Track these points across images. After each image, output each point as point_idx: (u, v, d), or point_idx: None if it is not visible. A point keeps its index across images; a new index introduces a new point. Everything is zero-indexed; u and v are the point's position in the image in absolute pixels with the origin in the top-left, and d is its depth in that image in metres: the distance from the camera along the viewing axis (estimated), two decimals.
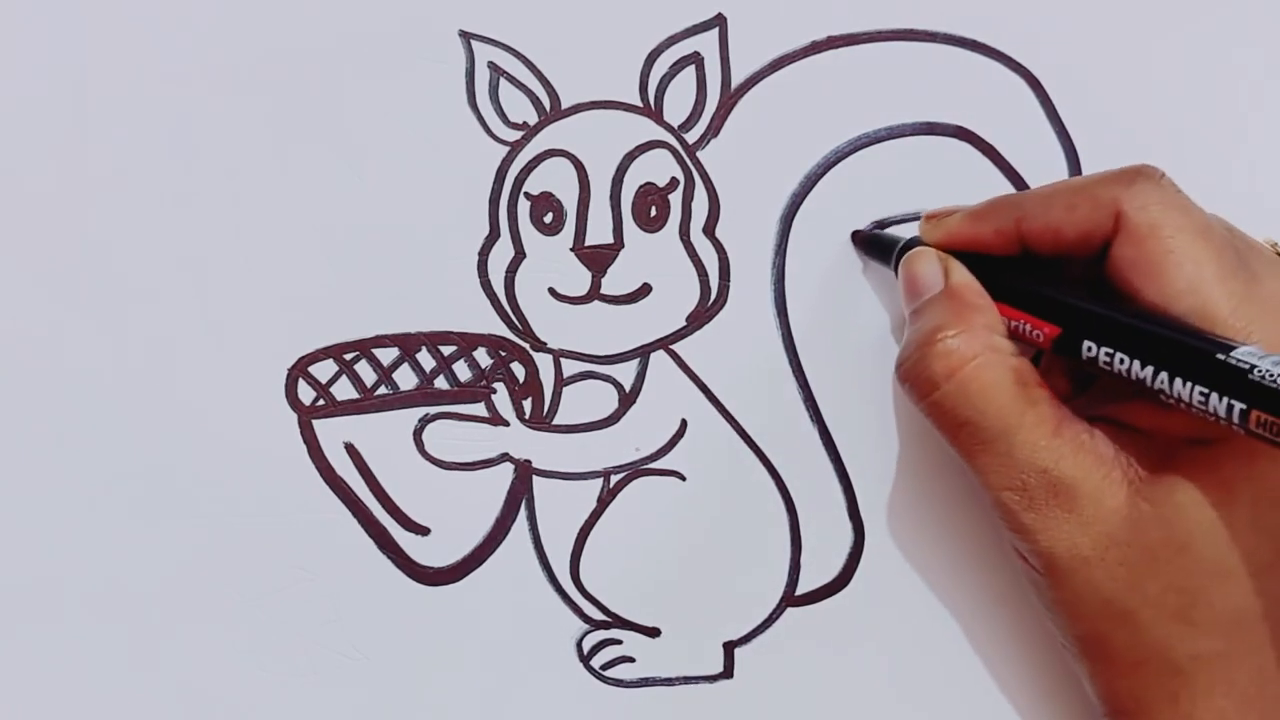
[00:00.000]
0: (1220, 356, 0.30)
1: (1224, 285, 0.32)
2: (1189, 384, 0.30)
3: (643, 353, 0.40)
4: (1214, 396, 0.29)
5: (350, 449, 0.39)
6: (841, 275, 0.40)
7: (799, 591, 0.40)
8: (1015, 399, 0.33)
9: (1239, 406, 0.29)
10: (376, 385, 0.39)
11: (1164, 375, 0.31)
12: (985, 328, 0.34)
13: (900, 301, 0.37)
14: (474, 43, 0.39)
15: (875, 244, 0.39)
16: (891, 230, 0.39)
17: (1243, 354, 0.29)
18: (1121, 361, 0.32)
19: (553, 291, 0.39)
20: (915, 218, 0.40)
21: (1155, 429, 0.33)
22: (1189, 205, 0.34)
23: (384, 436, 0.39)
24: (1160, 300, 0.32)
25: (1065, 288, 0.34)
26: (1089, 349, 0.33)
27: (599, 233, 0.39)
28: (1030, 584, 0.36)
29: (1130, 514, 0.32)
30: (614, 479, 0.40)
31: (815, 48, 0.40)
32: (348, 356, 0.39)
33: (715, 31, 0.39)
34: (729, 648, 0.40)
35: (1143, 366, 0.31)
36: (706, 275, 0.40)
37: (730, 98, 0.39)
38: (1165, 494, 0.32)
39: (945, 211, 0.37)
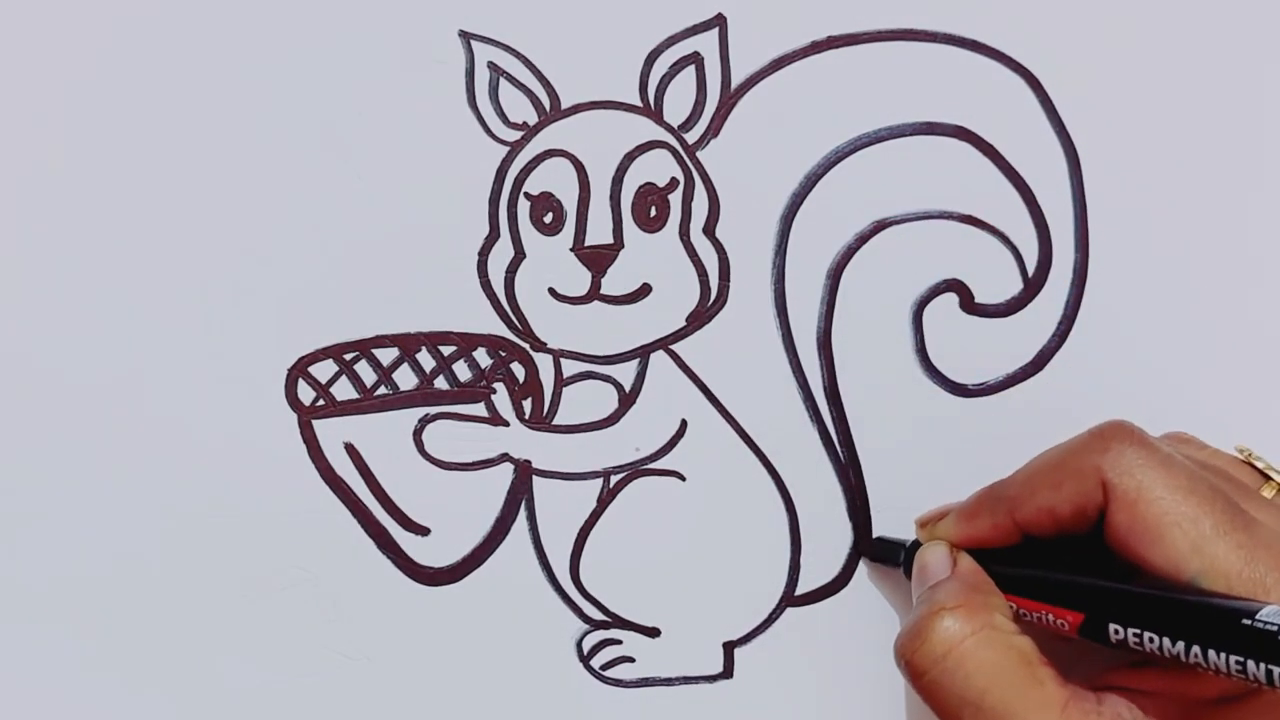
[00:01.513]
0: (1246, 622, 0.29)
1: (1227, 539, 0.31)
2: (1223, 654, 0.29)
3: (643, 353, 0.40)
4: (1250, 663, 0.29)
5: (350, 449, 0.39)
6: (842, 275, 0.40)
7: (799, 591, 0.40)
8: (1018, 677, 0.32)
9: (1276, 670, 0.28)
10: (376, 385, 0.39)
11: (1196, 649, 0.30)
12: (986, 607, 0.34)
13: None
14: (474, 43, 0.39)
15: (882, 549, 0.39)
16: (895, 536, 0.39)
17: (1268, 614, 0.29)
18: (1151, 640, 0.31)
19: (553, 291, 0.39)
20: (915, 217, 0.40)
21: (1172, 692, 0.33)
22: (1170, 460, 0.33)
23: (384, 436, 0.39)
24: (1167, 565, 0.32)
25: (1078, 569, 0.34)
26: (1115, 632, 0.32)
27: (599, 233, 0.39)
28: None
29: None
30: (614, 479, 0.40)
31: (815, 48, 0.40)
32: (348, 356, 0.39)
33: (715, 31, 0.39)
34: (729, 648, 0.40)
35: (1173, 643, 0.30)
36: (706, 275, 0.40)
37: (730, 98, 0.39)
38: None
39: (935, 515, 0.37)
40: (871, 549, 0.40)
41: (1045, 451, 0.35)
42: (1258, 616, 0.29)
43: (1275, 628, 0.29)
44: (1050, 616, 0.34)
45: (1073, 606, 0.33)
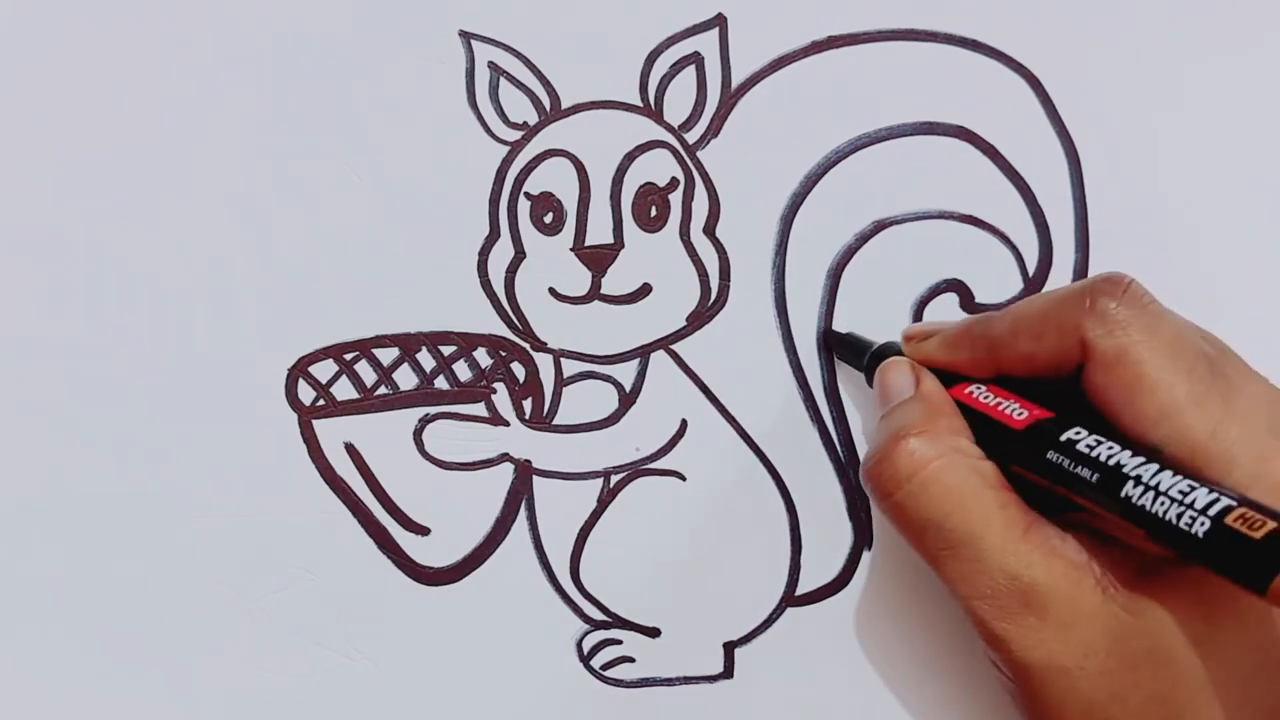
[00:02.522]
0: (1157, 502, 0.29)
1: (1199, 409, 0.31)
2: (1133, 526, 0.29)
3: (643, 353, 0.40)
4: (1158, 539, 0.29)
5: (350, 449, 0.39)
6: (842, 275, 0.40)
7: (799, 591, 0.40)
8: (982, 501, 0.32)
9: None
10: (376, 385, 0.39)
11: (1115, 507, 0.30)
12: (951, 431, 0.34)
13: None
14: (474, 43, 0.39)
15: (847, 346, 0.39)
16: (864, 335, 0.39)
17: (1196, 496, 0.29)
18: (1085, 474, 0.31)
19: (553, 291, 0.39)
20: (916, 218, 0.40)
21: (1132, 540, 0.32)
22: (1156, 320, 0.32)
23: (384, 436, 0.39)
24: (1136, 427, 0.32)
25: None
26: (1065, 443, 0.32)
27: (599, 233, 0.39)
28: (1006, 696, 0.34)
29: (1108, 623, 0.31)
30: (614, 479, 0.40)
31: (815, 48, 0.40)
32: (348, 356, 0.39)
33: (715, 31, 0.39)
34: (729, 648, 0.40)
35: (1100, 494, 0.30)
36: (706, 275, 0.40)
37: (730, 98, 0.39)
38: (1145, 606, 0.31)
39: (923, 333, 0.37)
40: (837, 341, 0.39)
41: (1035, 296, 0.35)
42: (1160, 491, 0.29)
43: (1183, 517, 0.28)
44: (1012, 406, 0.34)
45: (1040, 403, 0.33)
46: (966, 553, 0.32)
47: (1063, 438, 0.32)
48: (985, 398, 0.35)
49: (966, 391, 0.35)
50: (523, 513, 0.40)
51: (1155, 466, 0.30)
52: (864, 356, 0.38)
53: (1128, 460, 0.30)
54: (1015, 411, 0.33)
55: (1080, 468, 0.31)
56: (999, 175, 0.40)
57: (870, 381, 0.38)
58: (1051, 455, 0.32)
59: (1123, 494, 0.30)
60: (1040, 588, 0.32)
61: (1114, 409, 0.32)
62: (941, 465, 0.33)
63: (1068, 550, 0.32)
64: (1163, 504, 0.29)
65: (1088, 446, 0.31)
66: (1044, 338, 0.33)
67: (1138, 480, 0.30)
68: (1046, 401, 0.34)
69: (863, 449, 0.40)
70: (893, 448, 0.33)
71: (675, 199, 0.39)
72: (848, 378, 0.40)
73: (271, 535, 0.39)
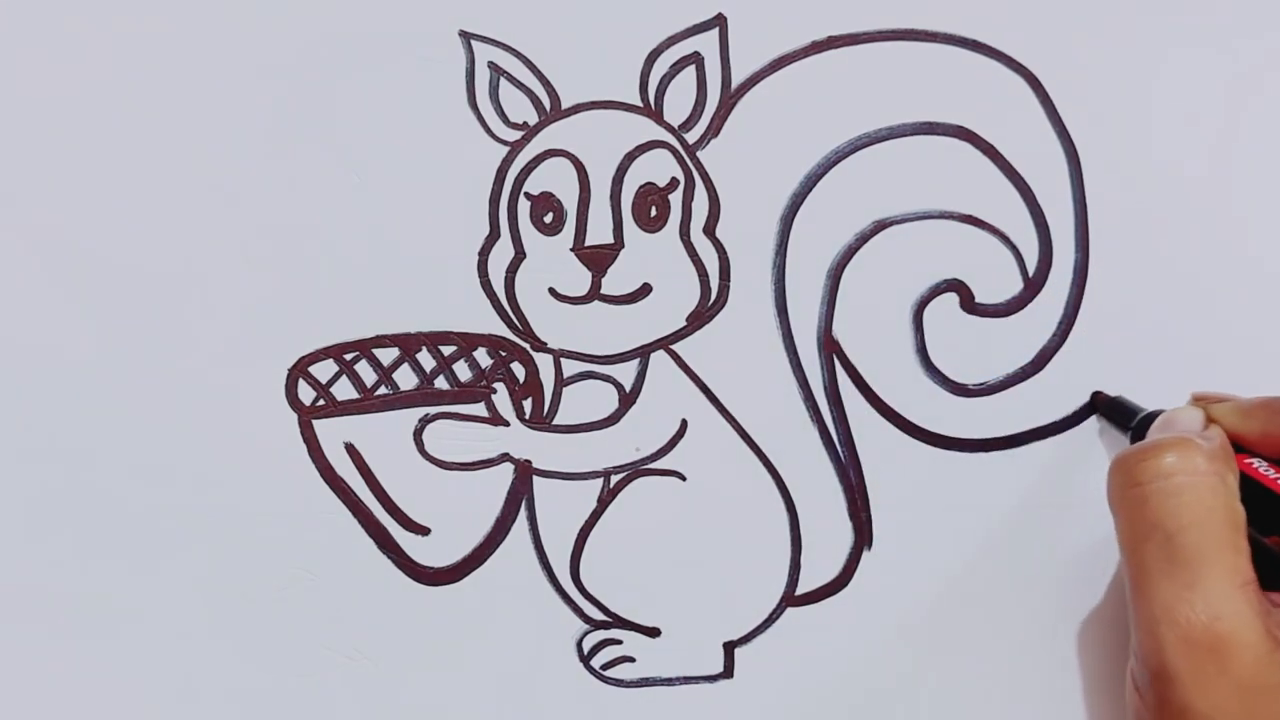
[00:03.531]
0: None
1: None
2: None
3: (643, 353, 0.40)
4: None
5: (350, 449, 0.39)
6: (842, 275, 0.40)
7: (799, 591, 0.40)
8: (1224, 534, 0.32)
9: None
10: (376, 385, 0.39)
11: None
12: (1228, 469, 0.33)
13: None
14: (474, 43, 0.39)
15: (1115, 409, 0.39)
16: (1134, 401, 0.39)
17: None
18: None
19: (553, 291, 0.39)
20: (917, 218, 0.40)
21: None
22: None
23: (384, 436, 0.39)
24: None
25: None
26: None
27: (599, 233, 0.39)
28: (1133, 715, 0.34)
29: (1276, 706, 0.31)
30: (614, 479, 0.40)
31: (815, 48, 0.40)
32: (348, 356, 0.39)
33: (715, 31, 0.39)
34: (729, 648, 0.40)
35: None
36: (706, 275, 0.40)
37: (730, 98, 0.39)
38: None
39: (1215, 397, 0.37)
40: (1106, 405, 0.39)
41: None
42: None
43: None
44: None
45: None
46: (1183, 575, 0.31)
47: None
48: (1266, 470, 0.34)
49: (1247, 462, 0.34)
50: (523, 513, 0.40)
51: None
52: (1132, 419, 0.38)
53: None
54: None
55: None
56: (999, 175, 0.40)
57: (1135, 441, 0.37)
58: None
59: None
60: (1235, 640, 0.31)
61: None
62: (1207, 482, 0.32)
63: (1273, 621, 0.31)
64: None
65: None
66: None
67: None
68: None
69: (863, 449, 0.40)
70: (1169, 445, 0.33)
71: (675, 199, 0.39)
72: (848, 378, 0.40)
73: (272, 535, 0.39)
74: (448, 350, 0.39)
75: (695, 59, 0.39)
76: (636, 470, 0.40)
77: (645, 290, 0.39)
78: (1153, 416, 0.37)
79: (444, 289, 0.39)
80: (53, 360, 0.38)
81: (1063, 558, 0.40)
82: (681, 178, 0.39)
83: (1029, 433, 0.40)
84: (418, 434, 0.39)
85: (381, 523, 0.39)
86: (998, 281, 0.40)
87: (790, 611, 0.40)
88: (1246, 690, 0.30)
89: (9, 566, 0.39)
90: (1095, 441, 0.40)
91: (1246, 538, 0.32)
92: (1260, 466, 0.34)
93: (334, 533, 0.39)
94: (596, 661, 0.40)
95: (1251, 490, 0.34)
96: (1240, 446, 0.35)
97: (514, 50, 0.39)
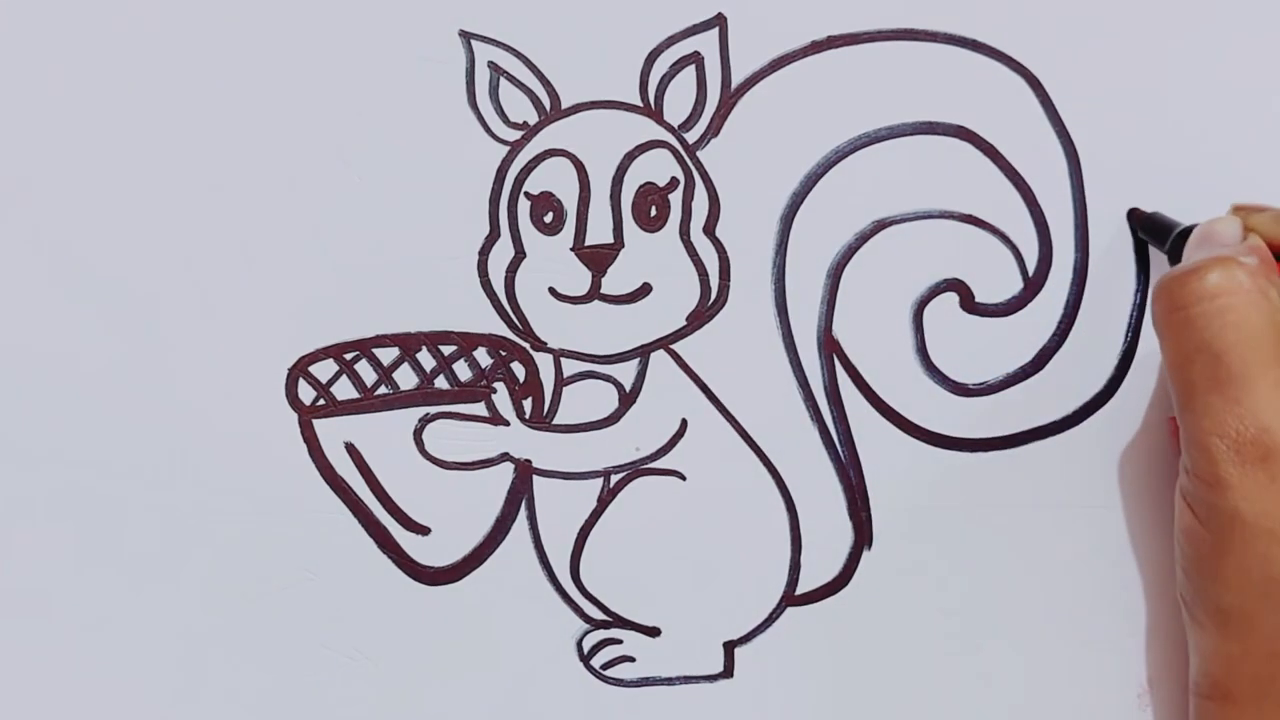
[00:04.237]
0: None
1: None
2: None
3: (643, 352, 0.40)
4: None
5: (350, 449, 0.39)
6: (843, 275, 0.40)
7: (799, 591, 0.40)
8: (1269, 350, 0.32)
9: None
10: (376, 385, 0.39)
11: None
12: (1270, 283, 0.33)
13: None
14: (474, 43, 0.39)
15: (1153, 225, 0.39)
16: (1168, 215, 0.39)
17: None
18: None
19: (553, 291, 0.39)
20: (916, 217, 0.40)
21: None
22: None
23: (384, 436, 0.39)
24: None
25: None
26: None
27: (599, 232, 0.39)
28: (1188, 543, 0.34)
29: None
30: (614, 479, 0.40)
31: (815, 48, 0.40)
32: (348, 356, 0.39)
33: (715, 31, 0.39)
34: (729, 647, 0.40)
35: None
36: (706, 275, 0.40)
37: (730, 98, 0.39)
38: None
39: (1255, 206, 0.37)
40: (1142, 221, 0.39)
41: None
42: None
43: None
44: None
45: None
46: (1231, 391, 0.32)
47: None
48: None
49: None
50: (523, 512, 0.40)
51: None
52: (1169, 234, 0.37)
53: None
54: None
55: None
56: (999, 175, 0.40)
57: (1174, 261, 0.37)
58: None
59: None
60: None
61: None
62: (1251, 300, 0.32)
63: None
64: None
65: None
66: None
67: None
68: None
69: (863, 449, 0.40)
70: (1212, 266, 0.33)
71: (675, 199, 0.39)
72: (848, 378, 0.40)
73: (272, 535, 0.39)
74: (448, 350, 0.39)
75: (695, 59, 0.39)
76: (636, 470, 0.40)
77: (645, 290, 0.39)
78: (1191, 230, 0.37)
79: (444, 289, 0.39)
80: (52, 360, 0.38)
81: (1063, 558, 0.40)
82: (681, 177, 0.39)
83: (1029, 432, 0.40)
84: (418, 434, 0.39)
85: (381, 523, 0.39)
86: (998, 281, 0.40)
87: (790, 611, 0.40)
88: None
89: (8, 566, 0.39)
90: (1095, 441, 0.40)
91: None
92: None
93: (334, 533, 0.39)
94: (596, 661, 0.40)
95: None
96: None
97: (514, 50, 0.39)
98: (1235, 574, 0.32)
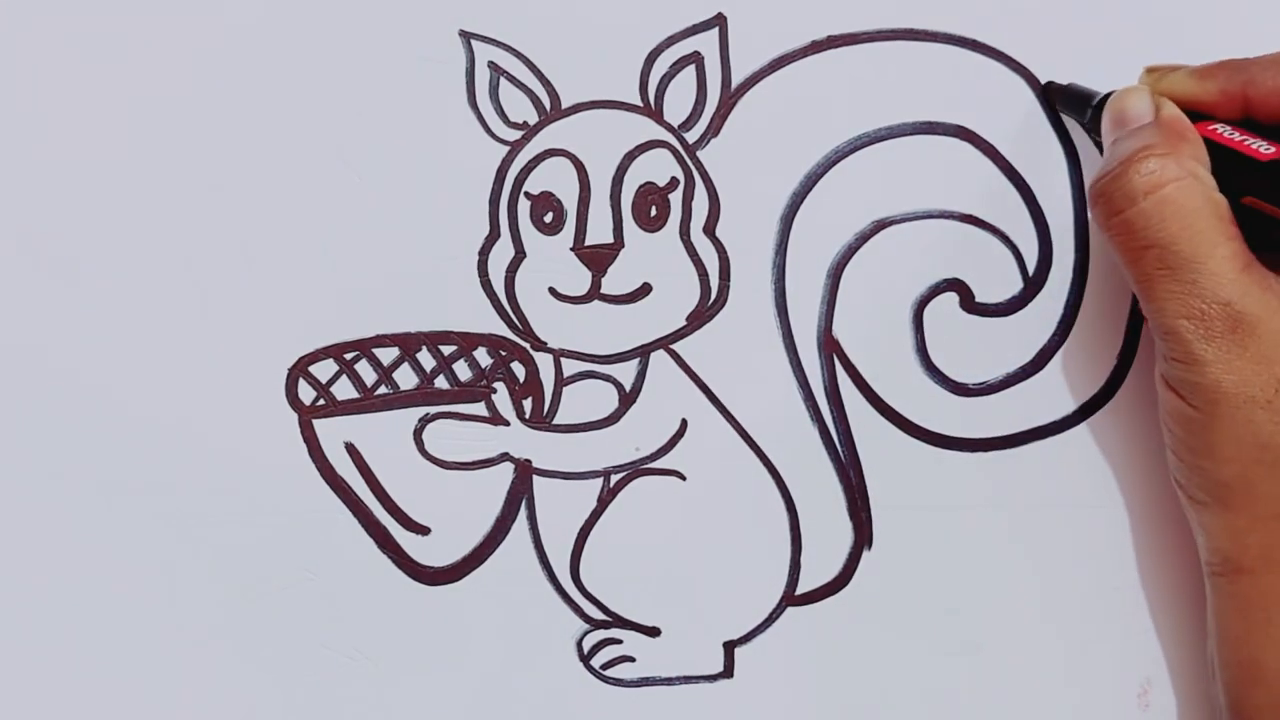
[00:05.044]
0: None
1: None
2: None
3: (643, 352, 0.40)
4: None
5: (350, 449, 0.39)
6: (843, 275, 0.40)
7: (799, 591, 0.40)
8: (1212, 228, 0.33)
9: None
10: (376, 385, 0.39)
11: None
12: (1192, 157, 0.34)
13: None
14: (474, 43, 0.39)
15: (1070, 96, 0.39)
16: (1087, 86, 0.39)
17: None
18: None
19: (553, 291, 0.39)
20: (916, 217, 0.40)
21: None
22: None
23: (384, 436, 0.39)
24: None
25: None
26: None
27: (599, 232, 0.39)
28: (1177, 425, 0.35)
29: None
30: (614, 479, 0.40)
31: (815, 48, 0.40)
32: (348, 356, 0.39)
33: (715, 31, 0.39)
34: (729, 647, 0.40)
35: None
36: (706, 275, 0.40)
37: (730, 97, 0.39)
38: None
39: (1168, 67, 0.37)
40: (1058, 94, 0.39)
41: None
42: None
43: None
44: (1258, 143, 0.34)
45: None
46: (1185, 275, 0.33)
47: None
48: (1229, 134, 0.34)
49: (1211, 128, 0.35)
50: (523, 512, 0.40)
51: None
52: (1089, 104, 0.37)
53: None
54: (1262, 147, 0.33)
55: None
56: (999, 175, 0.40)
57: (1096, 132, 0.37)
58: None
59: None
60: (1250, 317, 0.32)
61: None
62: (1180, 187, 0.33)
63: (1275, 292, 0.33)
64: None
65: None
66: None
67: None
68: None
69: (863, 449, 0.40)
70: (1131, 165, 0.34)
71: (675, 199, 0.39)
72: (848, 378, 0.40)
73: (272, 535, 0.39)
74: (448, 350, 0.39)
75: (695, 59, 0.39)
76: (636, 470, 0.40)
77: (645, 290, 0.39)
78: (1104, 101, 0.37)
79: (444, 289, 0.39)
80: (52, 360, 0.38)
81: (1063, 558, 0.40)
82: (681, 177, 0.39)
83: (1029, 432, 0.40)
84: (418, 434, 0.39)
85: (381, 522, 0.39)
86: (998, 281, 0.40)
87: (790, 611, 0.40)
88: (1272, 362, 0.33)
89: (8, 566, 0.39)
90: (1095, 441, 0.40)
91: (1234, 222, 0.33)
92: (1223, 131, 0.35)
93: (334, 533, 0.39)
94: (596, 661, 0.40)
95: (1218, 155, 0.34)
96: (1199, 114, 0.35)
97: (514, 50, 0.39)
98: (1228, 445, 0.33)
